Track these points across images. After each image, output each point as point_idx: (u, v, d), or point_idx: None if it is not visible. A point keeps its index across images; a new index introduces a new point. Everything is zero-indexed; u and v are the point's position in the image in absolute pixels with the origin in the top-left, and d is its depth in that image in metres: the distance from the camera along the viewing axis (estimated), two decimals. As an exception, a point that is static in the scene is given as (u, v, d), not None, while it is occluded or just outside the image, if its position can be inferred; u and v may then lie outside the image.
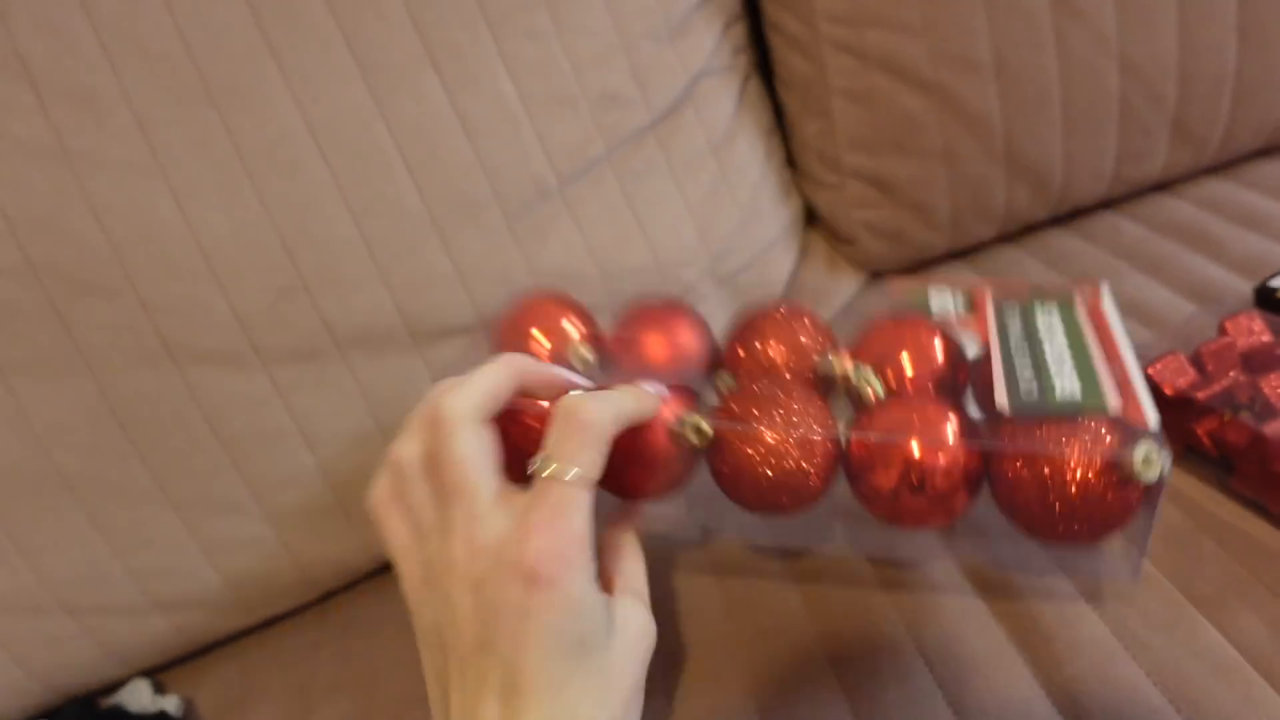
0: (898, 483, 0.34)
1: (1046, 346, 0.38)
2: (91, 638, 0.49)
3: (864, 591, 0.42)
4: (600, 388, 0.37)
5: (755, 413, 0.36)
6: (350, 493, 0.51)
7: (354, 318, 0.49)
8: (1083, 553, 0.39)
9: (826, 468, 0.36)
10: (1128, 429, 0.33)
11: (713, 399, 0.40)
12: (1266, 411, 0.40)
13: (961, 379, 0.40)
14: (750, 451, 0.35)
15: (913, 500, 0.34)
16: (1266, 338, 0.45)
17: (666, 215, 0.58)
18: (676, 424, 0.36)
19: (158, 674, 0.52)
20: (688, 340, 0.44)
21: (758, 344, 0.41)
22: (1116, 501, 0.32)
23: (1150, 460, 0.32)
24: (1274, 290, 0.49)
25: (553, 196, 0.53)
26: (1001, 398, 0.35)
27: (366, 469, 0.51)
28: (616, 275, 0.55)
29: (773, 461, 0.35)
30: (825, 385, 0.41)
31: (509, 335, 0.45)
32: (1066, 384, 0.35)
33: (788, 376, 0.40)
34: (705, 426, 0.36)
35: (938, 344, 0.40)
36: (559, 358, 0.44)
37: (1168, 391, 0.43)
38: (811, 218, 0.73)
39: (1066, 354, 0.37)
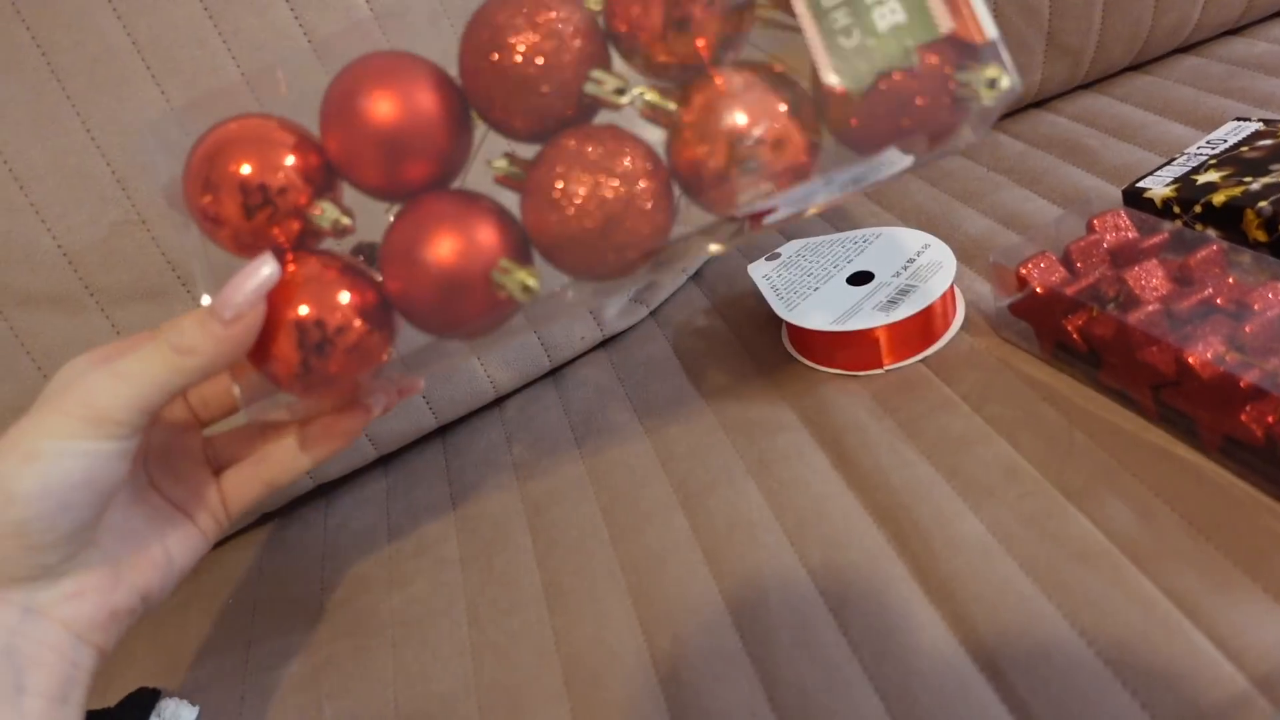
0: (727, 162, 0.30)
1: None
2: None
3: (733, 491, 0.42)
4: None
5: (564, 173, 0.31)
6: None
7: (200, 252, 0.46)
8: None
9: (662, 191, 0.32)
10: (964, 48, 0.29)
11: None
12: (1130, 302, 0.40)
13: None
14: (577, 207, 0.31)
15: (761, 155, 0.30)
16: (1133, 234, 0.45)
17: None
18: (496, 282, 0.32)
19: None
20: (423, 116, 0.32)
21: (499, 52, 0.31)
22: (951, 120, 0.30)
23: (996, 82, 0.29)
24: (1142, 190, 0.50)
25: None
26: (829, 74, 0.30)
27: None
28: None
29: (610, 210, 0.31)
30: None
31: (207, 185, 0.31)
32: (889, 15, 0.30)
33: (546, 91, 0.31)
34: (531, 282, 0.32)
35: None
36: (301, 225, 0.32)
37: (1038, 290, 0.43)
38: None
39: None
